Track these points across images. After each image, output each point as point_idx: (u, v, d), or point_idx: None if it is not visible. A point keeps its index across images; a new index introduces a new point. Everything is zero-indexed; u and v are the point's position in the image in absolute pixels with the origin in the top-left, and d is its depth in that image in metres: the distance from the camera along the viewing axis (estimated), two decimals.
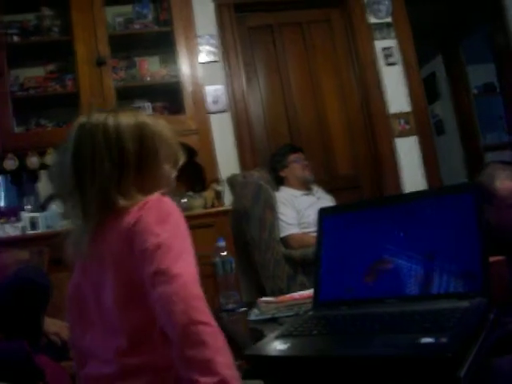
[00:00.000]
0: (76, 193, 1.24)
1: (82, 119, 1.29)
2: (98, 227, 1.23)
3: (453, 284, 1.23)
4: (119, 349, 1.14)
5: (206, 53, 4.11)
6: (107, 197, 1.22)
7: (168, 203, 1.22)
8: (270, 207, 3.47)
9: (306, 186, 3.76)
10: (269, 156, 4.03)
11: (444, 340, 0.95)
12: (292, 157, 3.78)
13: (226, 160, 3.97)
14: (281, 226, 3.50)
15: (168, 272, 1.07)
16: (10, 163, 3.43)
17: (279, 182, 3.81)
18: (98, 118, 1.28)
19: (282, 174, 3.79)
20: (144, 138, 1.28)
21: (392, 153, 4.32)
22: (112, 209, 1.22)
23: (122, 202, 1.22)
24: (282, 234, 3.48)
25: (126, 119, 1.29)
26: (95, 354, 1.21)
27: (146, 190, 1.26)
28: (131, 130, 1.27)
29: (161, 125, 1.34)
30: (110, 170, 1.23)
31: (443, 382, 0.90)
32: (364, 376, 1.01)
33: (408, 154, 4.34)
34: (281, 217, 3.51)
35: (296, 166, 3.76)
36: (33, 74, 3.78)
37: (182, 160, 1.38)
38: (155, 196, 1.24)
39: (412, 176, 4.30)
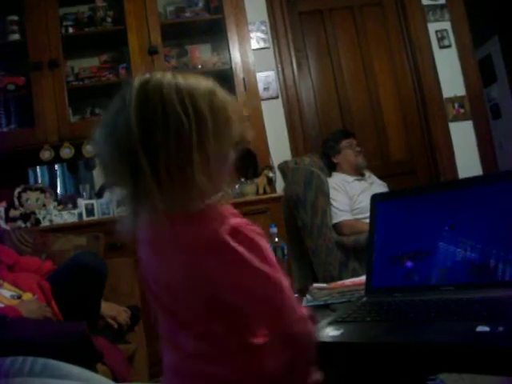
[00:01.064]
0: (142, 158, 0.93)
1: (144, 77, 1.00)
2: (157, 212, 0.97)
3: (510, 272, 1.20)
4: (196, 351, 1.01)
5: (256, 39, 4.11)
6: (184, 170, 0.95)
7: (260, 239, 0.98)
8: (322, 193, 3.45)
9: (358, 172, 3.72)
10: (320, 142, 4.01)
11: (501, 329, 0.93)
12: (345, 142, 3.74)
13: (278, 146, 3.96)
14: (333, 212, 3.48)
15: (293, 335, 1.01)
16: (67, 152, 3.51)
17: (332, 167, 3.79)
18: (163, 76, 1.00)
19: (335, 159, 3.76)
20: (215, 108, 1.00)
21: (446, 137, 4.24)
22: (186, 189, 0.95)
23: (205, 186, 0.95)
24: (335, 221, 3.47)
25: (196, 81, 1.01)
26: (172, 343, 1.06)
27: (213, 179, 0.98)
28: (204, 94, 1.00)
29: (228, 95, 1.05)
30: (189, 137, 0.95)
31: (499, 372, 0.89)
32: (418, 363, 1.00)
33: (463, 138, 4.25)
34: (333, 203, 3.49)
35: (349, 151, 3.72)
36: (87, 64, 3.86)
37: (249, 138, 1.15)
38: (242, 223, 0.98)
39: (467, 161, 4.21)
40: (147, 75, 1.00)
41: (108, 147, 0.99)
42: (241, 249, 0.94)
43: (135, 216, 1.00)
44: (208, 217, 0.97)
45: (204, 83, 1.02)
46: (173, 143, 0.94)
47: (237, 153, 1.05)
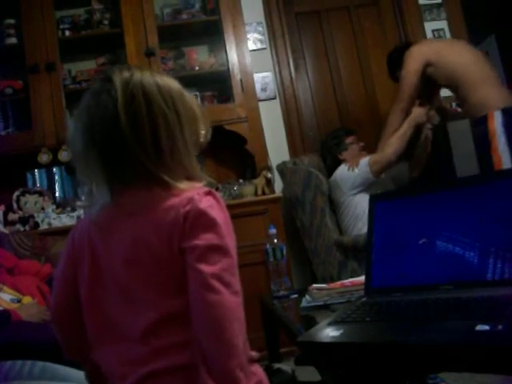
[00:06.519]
0: (129, 154, 1.05)
1: (124, 74, 1.11)
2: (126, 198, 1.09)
3: (509, 271, 1.20)
4: (147, 329, 1.03)
5: (253, 40, 4.11)
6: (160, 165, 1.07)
7: (215, 207, 1.05)
8: (321, 193, 3.45)
9: None
10: (319, 142, 4.00)
11: (500, 327, 0.93)
12: (349, 139, 3.73)
13: (276, 147, 3.96)
14: (360, 174, 3.46)
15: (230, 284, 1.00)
16: (65, 155, 3.51)
17: (337, 165, 3.74)
18: (142, 74, 1.12)
19: (341, 156, 3.71)
20: (186, 105, 1.13)
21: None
22: (155, 181, 1.07)
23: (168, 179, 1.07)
24: (367, 173, 3.46)
25: (169, 81, 1.14)
26: (113, 332, 1.08)
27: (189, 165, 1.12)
28: (177, 93, 1.13)
29: (193, 97, 1.19)
30: (173, 129, 1.09)
31: (498, 371, 0.89)
32: (418, 363, 1.00)
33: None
34: (352, 173, 3.49)
35: (355, 147, 3.71)
36: (84, 67, 3.86)
37: (209, 135, 1.19)
38: (201, 191, 1.07)
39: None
40: (126, 73, 1.11)
41: (85, 138, 1.08)
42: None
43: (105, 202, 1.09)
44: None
45: (175, 83, 1.15)
46: (161, 133, 1.07)
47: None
